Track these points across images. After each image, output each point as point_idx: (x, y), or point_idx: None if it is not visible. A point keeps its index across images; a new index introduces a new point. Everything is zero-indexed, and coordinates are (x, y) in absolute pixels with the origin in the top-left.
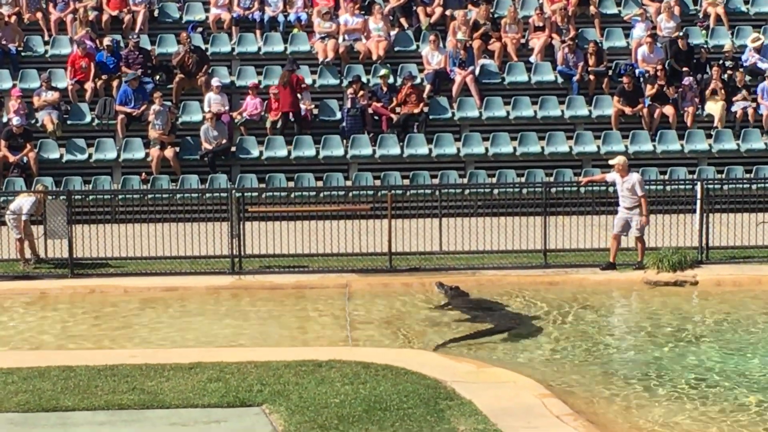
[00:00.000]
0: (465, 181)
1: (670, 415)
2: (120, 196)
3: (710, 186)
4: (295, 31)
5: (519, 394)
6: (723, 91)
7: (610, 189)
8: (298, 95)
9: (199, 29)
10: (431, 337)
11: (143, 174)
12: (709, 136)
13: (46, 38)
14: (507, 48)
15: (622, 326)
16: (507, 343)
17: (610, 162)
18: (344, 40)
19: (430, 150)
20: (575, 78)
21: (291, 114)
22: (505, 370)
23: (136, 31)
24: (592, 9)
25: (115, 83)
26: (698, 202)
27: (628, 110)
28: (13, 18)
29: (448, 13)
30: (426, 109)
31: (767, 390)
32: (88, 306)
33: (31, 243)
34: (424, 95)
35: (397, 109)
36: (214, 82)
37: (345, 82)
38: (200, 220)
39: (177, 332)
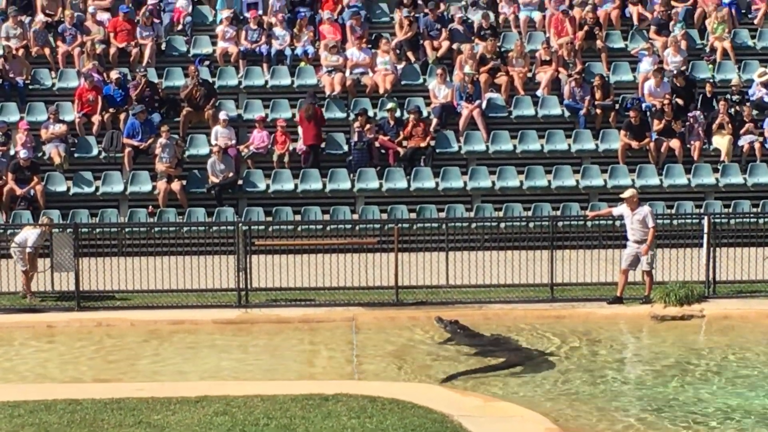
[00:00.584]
0: (472, 214)
1: None
2: (127, 230)
3: (717, 220)
4: (302, 64)
5: (526, 429)
6: (730, 125)
7: (617, 223)
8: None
9: (207, 62)
10: (438, 371)
11: (150, 207)
12: (716, 170)
13: (54, 71)
14: (514, 82)
15: (629, 361)
16: (514, 378)
17: (622, 195)
18: (351, 73)
19: (437, 183)
20: (582, 112)
21: (311, 147)
22: (512, 404)
23: (144, 64)
24: (599, 43)
25: (122, 116)
26: (705, 236)
27: (634, 144)
28: (21, 51)
29: (455, 46)
30: (433, 143)
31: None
32: (95, 339)
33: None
34: (431, 129)
35: (404, 143)
36: (222, 115)
37: (352, 116)
38: (207, 253)
39: (183, 365)
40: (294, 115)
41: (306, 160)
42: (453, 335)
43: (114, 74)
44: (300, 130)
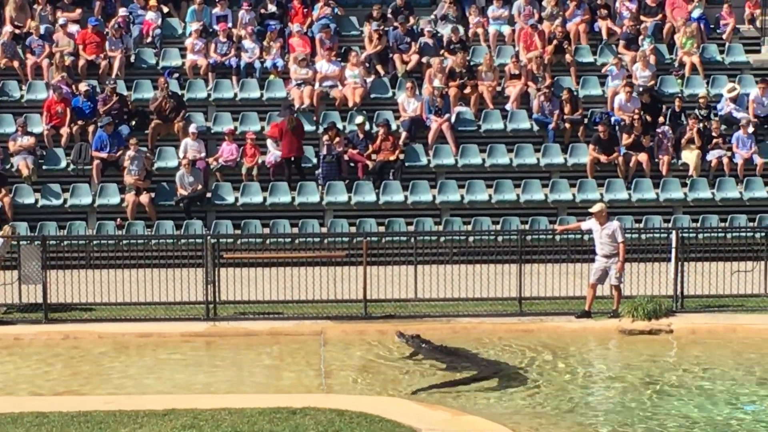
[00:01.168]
0: (440, 228)
1: None
2: (95, 242)
3: (685, 234)
4: (272, 77)
5: None
6: (698, 140)
7: (586, 237)
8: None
9: (176, 75)
10: (406, 385)
11: (118, 219)
12: (684, 184)
13: (23, 83)
14: (483, 95)
15: (597, 375)
16: (482, 392)
17: (591, 210)
18: (320, 86)
19: (406, 197)
20: (551, 126)
21: (294, 159)
22: (480, 418)
23: (113, 76)
24: (568, 57)
25: (90, 129)
26: (673, 250)
27: (603, 158)
28: None
29: (424, 60)
30: (402, 156)
31: None
32: (62, 352)
33: None
34: (400, 142)
35: (373, 156)
36: (191, 128)
37: (321, 129)
38: (175, 266)
39: (151, 378)
40: (263, 128)
41: (276, 172)
42: (417, 349)
43: (83, 86)
44: (269, 142)
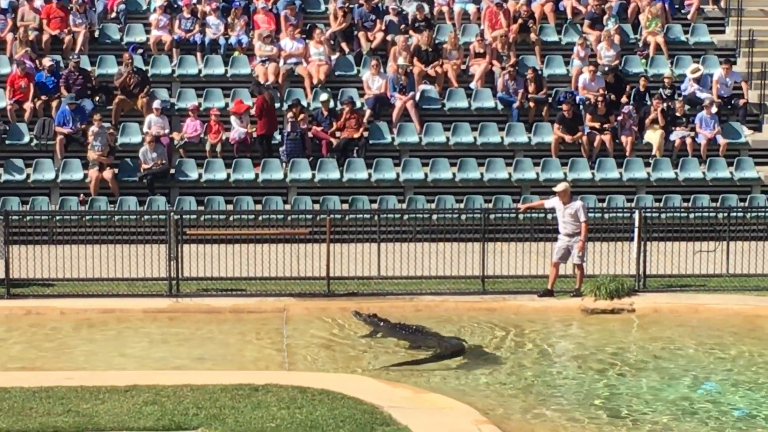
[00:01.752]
0: (404, 206)
1: None
2: (58, 217)
3: (648, 214)
4: (236, 54)
5: (455, 421)
6: (662, 120)
7: (549, 216)
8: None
9: (140, 51)
10: (369, 362)
11: (81, 195)
12: (647, 164)
13: None
14: (447, 74)
15: (559, 354)
16: (444, 369)
17: (555, 189)
18: (285, 63)
19: (370, 175)
20: (515, 105)
21: (267, 136)
22: (442, 396)
23: (77, 51)
24: (533, 36)
25: (54, 104)
26: (636, 230)
27: (567, 138)
28: None
29: (389, 38)
30: (366, 134)
31: (697, 416)
32: (24, 327)
33: None
34: (364, 120)
35: (337, 134)
36: (155, 104)
37: (285, 106)
38: (138, 242)
39: (113, 355)
40: (227, 105)
41: (240, 149)
42: (376, 327)
43: (47, 61)
44: (234, 119)
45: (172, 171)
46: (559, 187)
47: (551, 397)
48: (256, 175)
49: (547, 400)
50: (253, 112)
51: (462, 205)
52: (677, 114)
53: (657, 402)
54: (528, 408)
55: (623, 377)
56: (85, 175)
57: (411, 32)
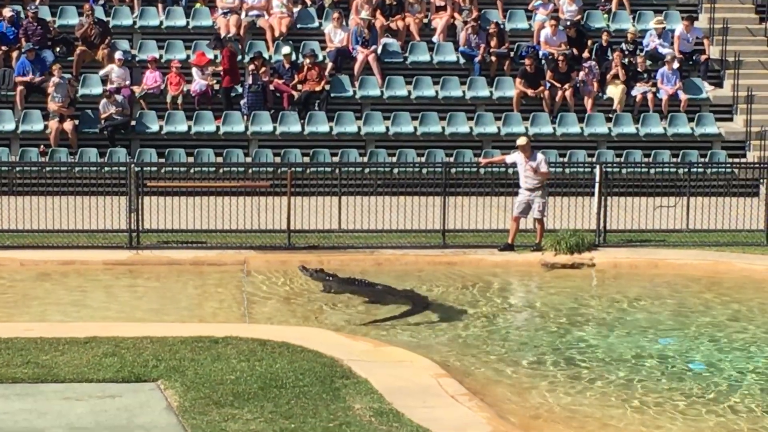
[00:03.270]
0: (365, 159)
1: (561, 396)
2: (18, 169)
3: (609, 169)
4: (198, 5)
5: (415, 374)
6: (623, 75)
7: (510, 171)
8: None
9: (101, 1)
10: (329, 316)
11: (42, 146)
12: (608, 119)
13: None
14: (410, 27)
15: (519, 308)
16: (403, 323)
17: (517, 142)
18: (246, 15)
19: (331, 128)
20: (477, 59)
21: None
22: (402, 349)
23: (36, 2)
24: None
25: (14, 54)
26: (597, 185)
27: (529, 92)
28: None
29: None
30: (327, 87)
31: (654, 370)
32: None
33: None
34: (326, 73)
35: (299, 87)
36: (116, 55)
37: (247, 59)
38: (98, 193)
39: (73, 306)
40: (189, 57)
41: (204, 101)
42: (325, 283)
43: (7, 12)
44: (195, 71)
45: (133, 123)
46: (521, 141)
47: (511, 352)
48: (217, 128)
49: (506, 354)
50: (220, 64)
51: (423, 159)
52: (639, 69)
53: (615, 356)
54: (488, 362)
55: (583, 332)
56: (46, 126)
57: None
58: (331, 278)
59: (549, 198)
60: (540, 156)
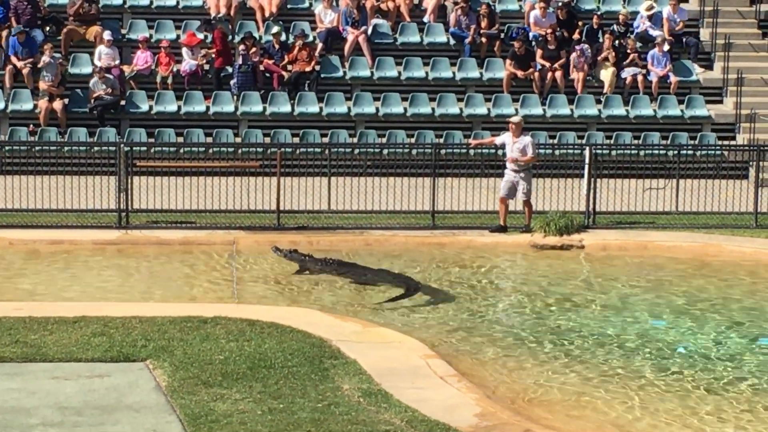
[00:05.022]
0: (355, 140)
1: (550, 377)
2: (7, 148)
3: (598, 151)
4: None
5: (404, 355)
6: (614, 57)
7: (500, 152)
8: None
9: None
10: (318, 296)
11: (31, 126)
12: (598, 101)
13: None
14: (400, 8)
15: (507, 290)
16: (392, 305)
17: (511, 120)
18: None
19: (321, 108)
20: (467, 40)
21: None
22: (391, 330)
23: None
24: None
25: (4, 34)
26: (586, 166)
27: (519, 74)
28: None
29: None
30: (317, 68)
31: (643, 352)
32: None
33: None
34: (316, 53)
35: (289, 67)
36: (106, 35)
37: (237, 38)
38: (88, 173)
39: (62, 286)
40: (179, 37)
41: (194, 81)
42: (302, 264)
43: None
44: (185, 51)
45: (123, 102)
46: (515, 119)
47: (500, 333)
48: (207, 108)
49: (495, 335)
50: (212, 45)
51: (413, 140)
52: (629, 51)
53: (604, 338)
54: (477, 344)
55: (571, 313)
56: (35, 106)
57: None
58: (306, 258)
59: (538, 180)
60: (528, 138)
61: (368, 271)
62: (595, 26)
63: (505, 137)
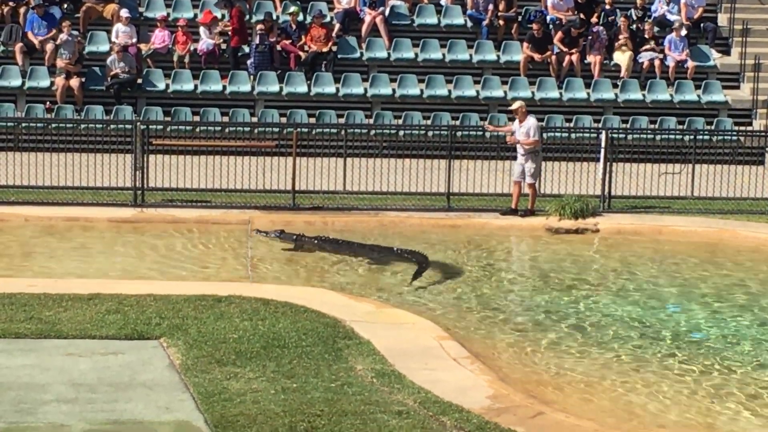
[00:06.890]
0: (371, 121)
1: (563, 361)
2: (23, 124)
3: (615, 135)
4: None
5: (418, 336)
6: (630, 41)
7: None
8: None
9: None
10: (332, 276)
11: (48, 103)
12: (615, 85)
13: None
14: None
15: (522, 272)
16: (407, 286)
17: (511, 107)
18: None
19: (338, 89)
20: (485, 22)
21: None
22: (404, 311)
23: None
24: None
25: (22, 10)
26: (602, 150)
27: (536, 57)
28: None
29: None
30: (334, 48)
31: (656, 336)
32: None
33: None
34: (333, 34)
35: (306, 47)
36: (123, 12)
37: (254, 18)
38: (104, 151)
39: (77, 263)
40: (196, 16)
41: (211, 60)
42: (297, 242)
43: None
44: (202, 30)
45: (140, 81)
46: (515, 104)
47: (514, 315)
48: (224, 87)
49: (509, 317)
50: (229, 24)
51: (429, 122)
52: (646, 36)
53: (618, 322)
54: (490, 325)
55: (586, 297)
56: (52, 83)
57: None
58: (302, 237)
59: (554, 163)
60: (532, 121)
61: (365, 247)
62: (611, 9)
63: (516, 123)
